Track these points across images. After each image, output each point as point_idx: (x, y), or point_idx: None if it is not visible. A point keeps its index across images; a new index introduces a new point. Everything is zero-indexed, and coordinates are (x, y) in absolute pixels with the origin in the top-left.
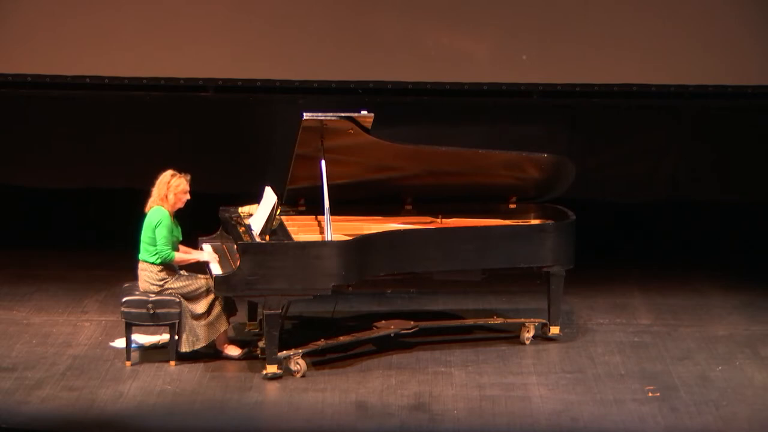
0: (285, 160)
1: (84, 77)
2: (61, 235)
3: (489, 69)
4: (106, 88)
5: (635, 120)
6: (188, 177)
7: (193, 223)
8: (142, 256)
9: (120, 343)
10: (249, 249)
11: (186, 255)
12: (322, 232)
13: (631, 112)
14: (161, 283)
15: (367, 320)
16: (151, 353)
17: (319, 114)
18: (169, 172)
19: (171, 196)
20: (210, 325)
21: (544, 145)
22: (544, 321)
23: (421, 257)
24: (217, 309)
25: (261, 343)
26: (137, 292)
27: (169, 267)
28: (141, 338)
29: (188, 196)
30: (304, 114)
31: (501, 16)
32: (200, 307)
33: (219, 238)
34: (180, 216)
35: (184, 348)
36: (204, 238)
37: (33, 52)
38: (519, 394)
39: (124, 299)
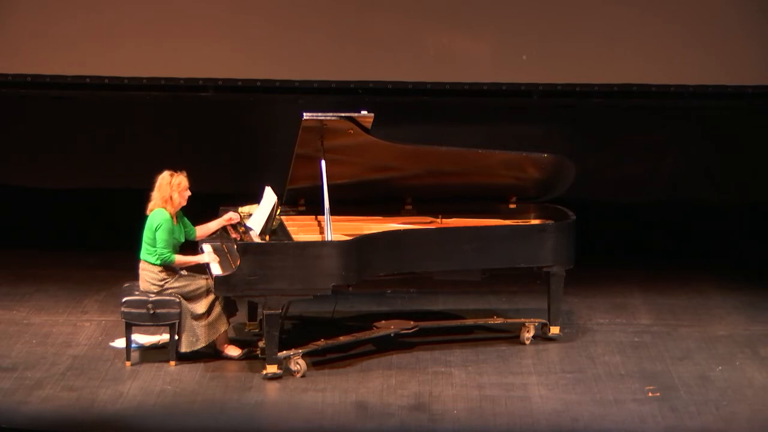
0: (285, 160)
1: (84, 77)
2: (61, 235)
3: (489, 69)
4: (106, 88)
5: (635, 120)
6: (185, 173)
7: (193, 223)
8: (143, 255)
9: (120, 343)
10: (249, 249)
11: (187, 258)
12: (322, 232)
13: (631, 112)
14: (161, 283)
15: (367, 320)
16: (151, 353)
17: (319, 114)
18: (167, 173)
19: (176, 195)
20: (210, 326)
21: (544, 145)
22: (544, 321)
23: (421, 257)
24: (217, 309)
25: (261, 343)
26: (137, 292)
27: (169, 267)
28: (141, 338)
29: (189, 192)
30: (304, 114)
31: (501, 16)
32: (200, 307)
33: (219, 238)
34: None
35: (184, 348)
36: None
37: (33, 52)
38: (519, 394)
39: (124, 299)
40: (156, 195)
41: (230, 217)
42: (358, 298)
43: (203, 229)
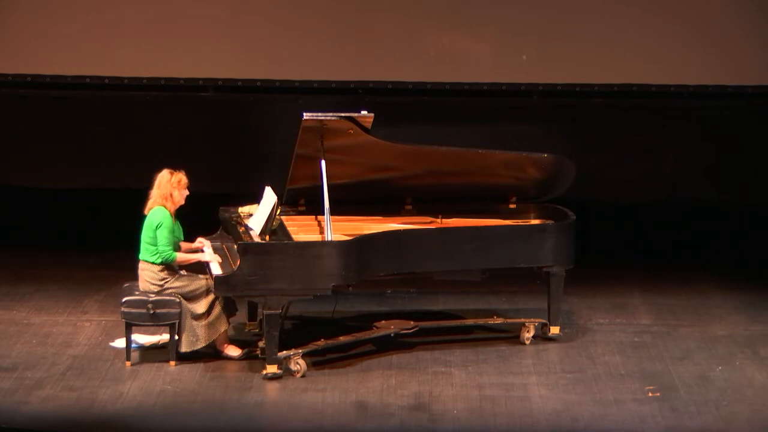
0: (285, 160)
1: (84, 77)
2: (61, 235)
3: (489, 69)
4: (106, 88)
5: (635, 120)
6: (183, 172)
7: (193, 223)
8: (142, 255)
9: (120, 343)
10: (249, 249)
11: (187, 255)
12: (322, 232)
13: (631, 112)
14: (161, 282)
15: (367, 320)
16: (151, 353)
17: (319, 114)
18: (166, 171)
19: (176, 193)
20: (210, 326)
21: (544, 145)
22: (544, 321)
23: (421, 257)
24: (217, 309)
25: (261, 343)
26: (137, 292)
27: (169, 267)
28: (141, 338)
29: (188, 192)
30: (304, 114)
31: (501, 16)
32: (200, 307)
33: (219, 238)
34: (180, 215)
35: (184, 348)
36: (204, 238)
37: (33, 52)
38: (519, 394)
39: (124, 299)
40: (155, 193)
41: (209, 259)
42: (358, 298)
43: (184, 249)
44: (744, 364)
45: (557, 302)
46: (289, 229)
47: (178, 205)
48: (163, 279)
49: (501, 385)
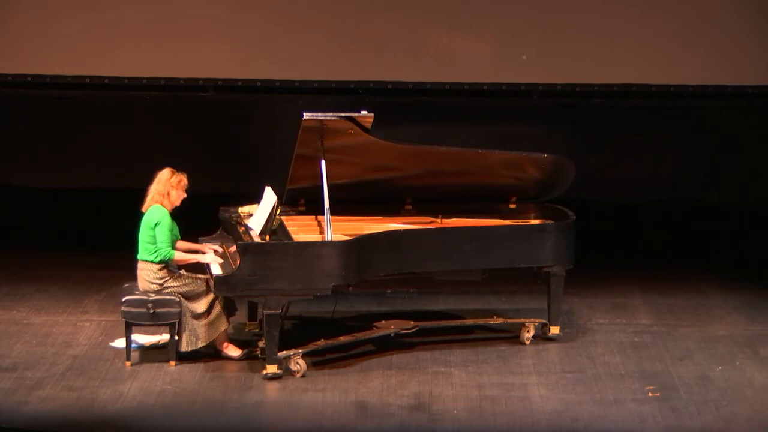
0: (285, 160)
1: (84, 77)
2: (61, 235)
3: (489, 69)
4: (106, 88)
5: (635, 120)
6: (185, 174)
7: (193, 223)
8: (141, 255)
9: (120, 343)
10: (249, 249)
11: (186, 256)
12: (322, 232)
13: (631, 112)
14: (161, 281)
15: (367, 320)
16: (151, 353)
17: (319, 114)
18: (168, 170)
19: (174, 193)
20: (210, 325)
21: (544, 145)
22: (544, 321)
23: (421, 257)
24: (217, 308)
25: (261, 343)
26: (137, 292)
27: (168, 266)
28: (141, 338)
29: (185, 195)
30: (304, 114)
31: (501, 16)
32: (200, 306)
33: (219, 238)
34: (179, 215)
35: (184, 348)
36: (204, 238)
37: (33, 52)
38: (519, 394)
39: (124, 299)
40: (154, 188)
41: (208, 261)
42: (358, 298)
43: (184, 248)
44: (744, 364)
45: (557, 302)
46: (289, 229)
47: (173, 206)
48: (162, 278)
49: (501, 385)
